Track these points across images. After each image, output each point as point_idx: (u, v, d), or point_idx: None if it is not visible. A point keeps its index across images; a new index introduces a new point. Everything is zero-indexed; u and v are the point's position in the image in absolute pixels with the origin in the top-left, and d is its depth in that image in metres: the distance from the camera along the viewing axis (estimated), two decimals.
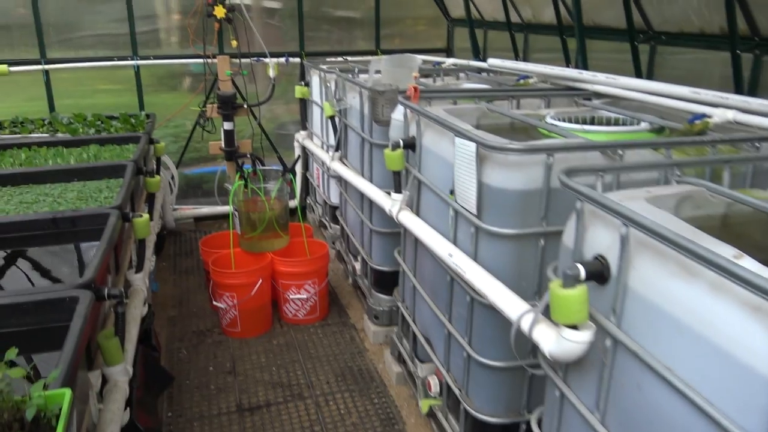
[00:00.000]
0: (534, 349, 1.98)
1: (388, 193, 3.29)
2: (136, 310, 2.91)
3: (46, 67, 5.50)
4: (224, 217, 5.99)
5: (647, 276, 1.47)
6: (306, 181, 6.21)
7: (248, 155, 4.84)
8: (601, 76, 3.26)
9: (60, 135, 4.41)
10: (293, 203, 5.53)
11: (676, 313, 1.38)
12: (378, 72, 4.04)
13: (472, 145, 2.24)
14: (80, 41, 5.70)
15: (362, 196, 3.98)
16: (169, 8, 5.94)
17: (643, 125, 2.69)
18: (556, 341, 1.66)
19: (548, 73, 3.68)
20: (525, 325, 1.85)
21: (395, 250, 3.52)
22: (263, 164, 4.90)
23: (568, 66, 4.65)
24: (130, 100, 5.88)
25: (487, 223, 2.29)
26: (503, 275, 2.21)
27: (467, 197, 2.36)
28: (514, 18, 5.34)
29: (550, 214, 2.21)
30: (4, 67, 5.14)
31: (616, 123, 2.90)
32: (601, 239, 1.62)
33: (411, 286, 3.25)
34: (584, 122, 2.83)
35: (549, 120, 2.79)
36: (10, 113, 4.97)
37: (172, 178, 5.87)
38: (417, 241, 2.99)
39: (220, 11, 5.37)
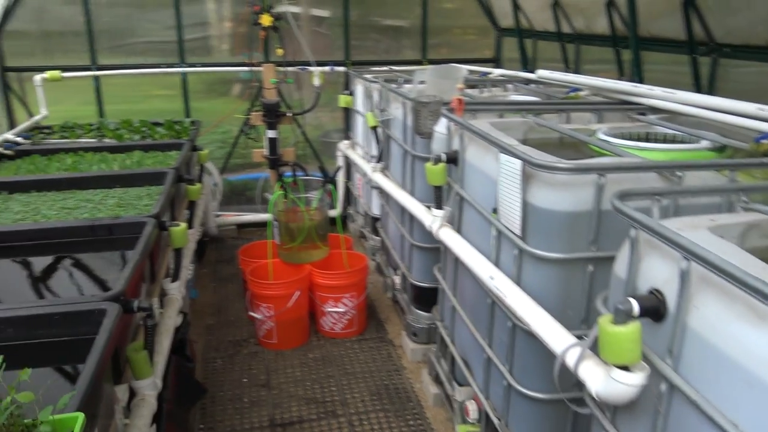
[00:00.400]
0: (579, 382, 1.84)
1: (430, 207, 3.18)
2: (170, 321, 2.87)
3: (96, 73, 5.62)
4: (267, 224, 5.99)
5: (710, 316, 1.32)
6: (348, 191, 6.15)
7: (289, 164, 4.80)
8: (658, 90, 3.07)
9: (106, 140, 4.46)
10: (333, 213, 5.48)
11: (743, 360, 1.23)
12: (422, 82, 3.94)
13: (518, 163, 2.12)
14: (131, 48, 5.80)
15: (403, 209, 3.88)
16: (220, 16, 5.99)
17: (704, 143, 2.51)
18: (605, 381, 1.52)
19: (600, 85, 3.51)
20: (570, 360, 1.71)
21: (435, 267, 3.41)
22: (305, 172, 4.85)
23: (621, 78, 4.45)
24: (183, 105, 5.95)
25: (532, 246, 2.16)
26: (548, 302, 2.08)
27: (511, 217, 2.23)
28: (566, 28, 5.17)
29: (600, 238, 2.06)
30: (57, 73, 5.27)
31: (673, 140, 2.73)
32: (658, 272, 1.48)
33: (450, 305, 3.12)
34: (639, 139, 2.66)
35: (601, 136, 2.64)
36: (64, 117, 5.08)
37: (215, 185, 5.89)
38: (457, 260, 2.87)
39: (266, 20, 5.38)
